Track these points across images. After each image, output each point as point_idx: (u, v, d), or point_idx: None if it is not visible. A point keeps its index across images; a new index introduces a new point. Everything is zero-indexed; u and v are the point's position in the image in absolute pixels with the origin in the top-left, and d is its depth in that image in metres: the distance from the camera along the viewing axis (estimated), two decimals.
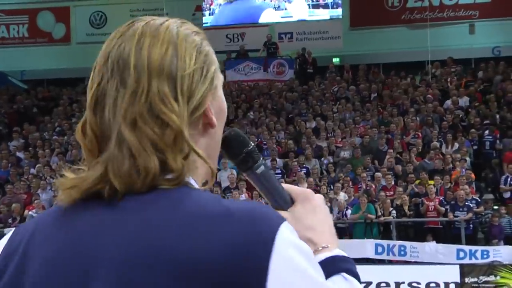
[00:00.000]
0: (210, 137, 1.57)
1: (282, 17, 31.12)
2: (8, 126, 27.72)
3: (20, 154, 25.55)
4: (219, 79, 1.60)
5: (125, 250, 1.40)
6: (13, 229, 1.61)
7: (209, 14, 31.56)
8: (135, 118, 1.44)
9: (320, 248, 1.61)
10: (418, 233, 19.78)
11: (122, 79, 1.47)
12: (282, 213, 1.57)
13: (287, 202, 1.71)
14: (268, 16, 30.93)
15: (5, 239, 1.58)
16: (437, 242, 19.08)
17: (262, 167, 1.72)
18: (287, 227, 1.41)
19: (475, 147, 23.32)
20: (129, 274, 1.38)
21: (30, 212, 20.72)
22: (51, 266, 1.46)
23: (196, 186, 1.51)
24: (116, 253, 1.40)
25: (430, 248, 18.85)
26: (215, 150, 1.62)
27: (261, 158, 1.73)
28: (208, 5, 31.47)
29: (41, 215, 1.60)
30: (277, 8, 31.16)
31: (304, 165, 22.51)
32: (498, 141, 23.13)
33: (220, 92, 1.61)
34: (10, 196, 22.36)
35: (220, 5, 31.40)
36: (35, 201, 21.30)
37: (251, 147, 1.70)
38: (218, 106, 1.59)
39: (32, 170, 24.25)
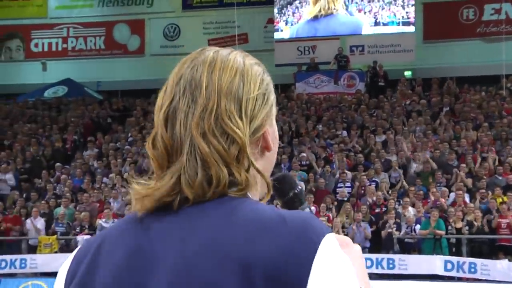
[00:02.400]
0: (266, 160, 1.73)
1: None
2: (83, 136, 28.18)
3: (94, 163, 25.92)
4: (275, 110, 1.77)
5: (191, 252, 1.55)
6: (86, 237, 1.67)
7: (280, 30, 31.48)
8: (205, 132, 1.60)
9: None
10: (490, 250, 19.43)
11: (193, 97, 1.63)
12: None
13: None
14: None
15: (79, 247, 1.74)
16: (510, 260, 18.71)
17: (307, 209, 1.93)
18: (332, 236, 1.57)
19: None
20: (196, 273, 1.53)
21: (100, 221, 20.99)
22: (120, 271, 1.60)
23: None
24: (182, 257, 1.55)
25: (502, 266, 18.50)
26: (268, 172, 1.75)
27: (306, 202, 2.00)
28: (283, 18, 31.39)
29: (113, 224, 1.78)
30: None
31: (373, 179, 22.33)
32: None
33: (275, 122, 1.77)
34: (85, 205, 22.70)
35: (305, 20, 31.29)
36: (105, 210, 21.59)
37: (299, 189, 1.97)
38: (273, 132, 1.75)
39: (105, 179, 24.57)
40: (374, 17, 30.66)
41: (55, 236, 21.53)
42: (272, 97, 1.75)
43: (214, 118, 1.61)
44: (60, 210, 22.27)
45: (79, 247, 1.74)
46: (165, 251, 1.58)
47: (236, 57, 1.72)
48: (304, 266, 1.51)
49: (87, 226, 21.37)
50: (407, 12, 30.40)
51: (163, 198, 1.60)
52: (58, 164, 25.61)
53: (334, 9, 30.67)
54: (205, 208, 1.59)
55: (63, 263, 1.73)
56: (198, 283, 1.52)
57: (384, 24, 30.60)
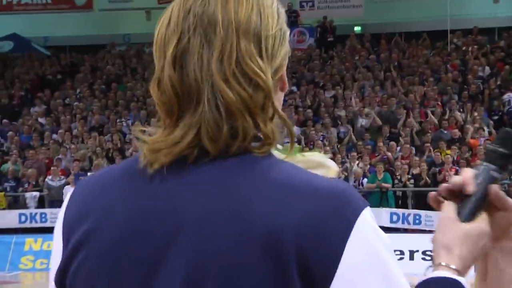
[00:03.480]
0: (279, 101, 1.55)
1: None
2: (31, 92, 27.94)
3: (42, 120, 25.77)
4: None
5: (213, 221, 1.38)
6: (71, 191, 1.57)
7: None
8: (227, 78, 1.40)
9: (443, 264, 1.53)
10: None
11: (207, 36, 1.43)
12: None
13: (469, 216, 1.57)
14: None
15: (66, 204, 1.55)
16: None
17: (501, 176, 1.61)
18: (369, 211, 1.42)
19: (496, 117, 23.23)
20: (213, 240, 1.37)
21: (47, 178, 21.03)
22: (129, 234, 1.42)
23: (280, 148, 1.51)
24: (200, 218, 1.39)
25: None
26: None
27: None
28: None
29: (110, 174, 1.54)
30: None
31: (322, 134, 22.55)
32: None
33: None
34: (32, 161, 22.62)
35: None
36: (53, 167, 21.57)
37: None
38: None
39: (54, 136, 24.46)
40: None
41: (3, 192, 21.46)
42: (287, 32, 1.54)
43: (235, 60, 1.41)
44: (8, 167, 22.20)
45: (70, 194, 1.56)
46: (183, 216, 1.40)
47: None
48: (336, 246, 1.36)
49: (34, 183, 21.39)
50: None
51: (183, 152, 1.42)
52: (5, 120, 25.44)
53: None
54: (228, 167, 1.41)
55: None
56: (219, 260, 1.36)
57: None
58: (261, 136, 1.43)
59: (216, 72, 1.40)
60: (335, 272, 1.35)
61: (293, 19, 29.78)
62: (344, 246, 1.35)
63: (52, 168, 21.62)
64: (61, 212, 1.54)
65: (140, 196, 1.44)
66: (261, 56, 1.43)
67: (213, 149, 1.40)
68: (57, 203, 19.56)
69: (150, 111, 24.69)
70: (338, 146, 21.99)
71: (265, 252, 1.34)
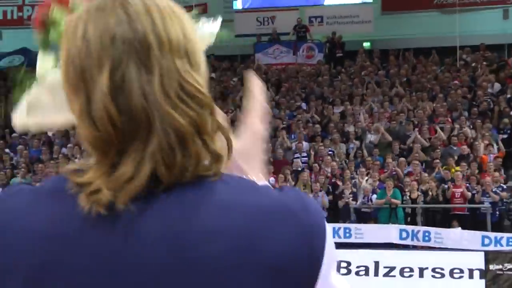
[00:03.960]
0: None
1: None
2: None
3: (51, 134, 25.73)
4: None
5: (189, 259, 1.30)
6: None
7: None
8: (174, 102, 1.32)
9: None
10: (444, 219, 19.69)
11: (143, 62, 1.32)
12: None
13: None
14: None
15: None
16: (463, 228, 18.98)
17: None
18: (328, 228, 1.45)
19: (505, 135, 23.12)
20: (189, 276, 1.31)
21: None
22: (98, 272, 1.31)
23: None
24: (178, 263, 1.31)
25: (455, 234, 18.78)
26: None
27: None
28: None
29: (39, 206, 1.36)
30: None
31: (330, 149, 22.50)
32: None
33: None
34: (42, 175, 22.61)
35: None
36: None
37: None
38: None
39: (64, 150, 24.44)
40: None
41: None
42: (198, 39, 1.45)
43: (177, 82, 1.33)
44: (17, 180, 22.21)
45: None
46: (154, 257, 1.31)
47: (161, 1, 1.40)
48: (319, 258, 1.39)
49: None
50: None
51: (141, 188, 1.31)
52: (14, 134, 25.45)
53: None
54: (186, 200, 1.34)
55: None
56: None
57: None
58: (210, 155, 1.36)
59: (161, 98, 1.31)
60: None
61: (302, 34, 29.83)
62: (323, 257, 1.39)
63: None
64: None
65: (96, 239, 1.32)
66: (195, 72, 1.37)
67: (168, 177, 1.32)
68: None
69: None
70: (347, 161, 21.93)
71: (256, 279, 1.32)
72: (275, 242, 1.33)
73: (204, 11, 31.16)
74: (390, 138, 22.55)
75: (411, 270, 18.21)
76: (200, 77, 1.38)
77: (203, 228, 1.31)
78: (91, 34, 1.33)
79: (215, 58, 29.86)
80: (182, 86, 1.34)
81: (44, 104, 1.91)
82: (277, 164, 21.87)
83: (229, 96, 26.67)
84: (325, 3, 30.62)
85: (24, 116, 1.93)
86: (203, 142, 1.34)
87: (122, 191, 1.30)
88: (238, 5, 31.12)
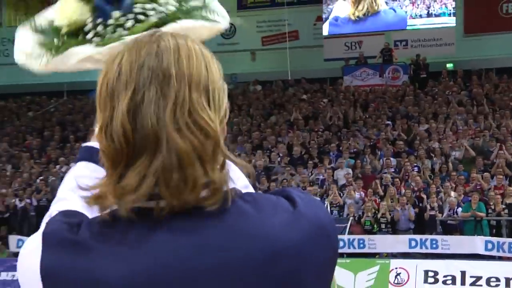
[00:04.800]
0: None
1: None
2: None
3: None
4: None
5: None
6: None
7: (332, 24, 31.36)
8: (180, 128, 1.40)
9: None
10: None
11: (162, 88, 1.41)
12: None
13: None
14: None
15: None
16: None
17: None
18: None
19: None
20: None
21: None
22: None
23: (235, 186, 1.50)
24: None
25: None
26: None
27: None
28: (334, 12, 31.28)
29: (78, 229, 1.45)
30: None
31: (416, 165, 22.32)
32: None
33: None
34: None
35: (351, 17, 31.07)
36: None
37: None
38: None
39: None
40: (425, 9, 30.37)
41: None
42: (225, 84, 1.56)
43: (188, 111, 1.42)
44: None
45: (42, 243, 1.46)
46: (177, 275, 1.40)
47: (194, 44, 1.52)
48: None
49: None
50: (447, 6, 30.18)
51: (140, 199, 1.40)
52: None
53: (378, 6, 30.53)
54: (194, 225, 1.42)
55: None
56: None
57: (431, 15, 30.28)
58: (210, 183, 1.42)
59: (169, 122, 1.39)
60: None
61: (387, 57, 29.76)
62: None
63: None
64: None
65: (128, 256, 1.40)
66: (210, 107, 1.44)
67: (168, 196, 1.39)
68: None
69: (255, 144, 24.91)
70: (432, 176, 21.71)
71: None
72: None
73: (296, 37, 31.39)
74: (473, 154, 22.20)
75: (498, 280, 17.91)
76: (214, 114, 1.45)
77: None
78: (124, 61, 1.45)
79: (306, 80, 30.03)
80: (192, 116, 1.41)
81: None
82: (365, 179, 21.82)
83: (319, 116, 26.72)
84: (409, 27, 30.35)
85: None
86: (204, 170, 1.41)
87: (124, 200, 1.39)
88: (325, 31, 31.09)
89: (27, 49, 1.83)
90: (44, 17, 1.88)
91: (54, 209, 1.61)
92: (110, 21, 1.72)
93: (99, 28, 1.70)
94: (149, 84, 1.42)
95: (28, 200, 23.82)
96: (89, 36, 1.71)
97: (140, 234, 1.41)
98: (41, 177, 25.31)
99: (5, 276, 21.38)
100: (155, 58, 1.44)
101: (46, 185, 24.57)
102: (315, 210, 1.51)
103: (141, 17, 1.71)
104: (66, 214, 1.51)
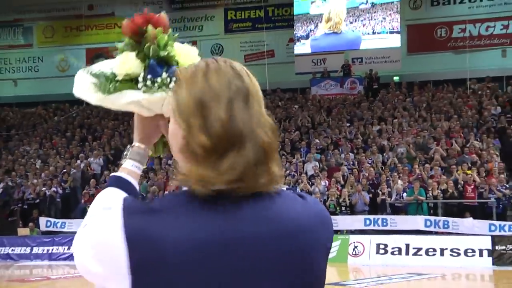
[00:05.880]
0: None
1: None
2: None
3: None
4: None
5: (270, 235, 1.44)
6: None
7: (302, 44, 31.34)
8: (261, 130, 1.46)
9: None
10: (459, 211, 19.40)
11: (245, 101, 1.47)
12: None
13: None
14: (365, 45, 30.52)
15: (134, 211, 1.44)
16: (474, 218, 18.68)
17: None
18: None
19: (505, 146, 22.68)
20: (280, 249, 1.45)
21: (166, 193, 21.25)
22: (206, 250, 1.39)
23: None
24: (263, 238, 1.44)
25: (468, 222, 18.49)
26: None
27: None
28: (302, 35, 31.25)
29: (173, 203, 1.46)
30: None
31: (370, 158, 22.38)
32: None
33: None
34: (154, 181, 22.97)
35: (323, 34, 30.90)
36: (169, 185, 21.95)
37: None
38: None
39: (169, 162, 24.79)
40: (372, 29, 30.39)
41: None
42: None
43: (262, 117, 1.49)
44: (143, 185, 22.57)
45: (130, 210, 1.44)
46: (254, 241, 1.43)
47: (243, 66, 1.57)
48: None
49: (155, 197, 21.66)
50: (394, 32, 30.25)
51: (228, 184, 1.42)
52: None
53: (339, 26, 30.51)
54: (269, 202, 1.47)
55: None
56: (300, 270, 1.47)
57: (377, 33, 30.26)
58: (273, 175, 1.48)
59: (255, 126, 1.46)
60: None
61: (346, 72, 29.77)
62: None
63: (168, 185, 21.91)
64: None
65: (211, 223, 1.42)
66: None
67: (250, 182, 1.43)
68: None
69: None
70: (383, 168, 21.78)
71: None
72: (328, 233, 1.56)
73: (272, 55, 31.38)
74: (414, 154, 22.30)
75: (434, 250, 18.04)
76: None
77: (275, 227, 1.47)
78: (214, 81, 1.48)
79: (281, 90, 30.00)
80: (264, 119, 1.49)
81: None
82: (329, 170, 21.86)
83: (291, 119, 26.72)
84: (364, 47, 30.39)
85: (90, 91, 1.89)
86: (276, 163, 1.48)
87: (216, 182, 1.41)
88: (297, 50, 31.11)
89: (84, 87, 1.90)
90: (100, 65, 1.94)
91: (101, 217, 1.50)
92: (158, 79, 1.79)
93: (148, 82, 1.77)
94: (236, 98, 1.47)
95: (54, 189, 23.70)
96: (139, 86, 1.78)
97: (213, 207, 1.43)
98: (64, 170, 25.19)
99: (36, 250, 21.28)
100: (238, 78, 1.50)
101: (69, 176, 24.49)
102: (319, 205, 1.59)
103: None
104: (133, 199, 1.50)
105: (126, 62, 1.82)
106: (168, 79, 1.80)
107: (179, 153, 1.51)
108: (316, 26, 30.77)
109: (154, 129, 1.89)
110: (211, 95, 1.47)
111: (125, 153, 1.86)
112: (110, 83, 1.82)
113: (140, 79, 1.78)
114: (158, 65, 1.80)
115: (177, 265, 1.38)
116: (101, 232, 1.44)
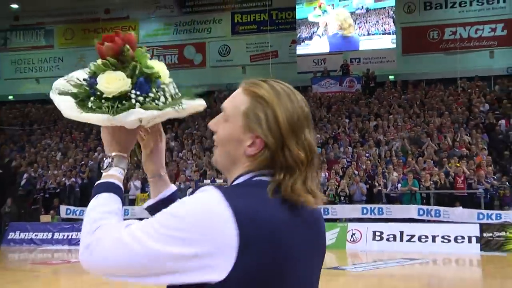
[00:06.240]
0: None
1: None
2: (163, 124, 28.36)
3: (172, 143, 26.23)
4: None
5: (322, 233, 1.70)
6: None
7: (304, 45, 31.28)
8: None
9: None
10: (449, 201, 19.36)
11: (311, 126, 1.60)
12: None
13: None
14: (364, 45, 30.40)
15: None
16: (463, 207, 18.66)
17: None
18: None
19: (498, 140, 22.63)
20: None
21: (177, 183, 21.30)
22: (308, 236, 1.59)
23: None
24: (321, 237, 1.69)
25: (458, 211, 18.47)
26: None
27: None
28: (306, 36, 31.18)
29: (277, 209, 1.52)
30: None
31: (367, 152, 22.34)
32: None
33: None
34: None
35: (324, 35, 30.82)
36: (181, 175, 21.97)
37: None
38: None
39: (180, 154, 24.85)
40: (367, 31, 30.29)
41: (147, 193, 21.85)
42: None
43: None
44: None
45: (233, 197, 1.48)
46: (313, 231, 1.62)
47: None
48: None
49: None
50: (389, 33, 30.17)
51: (307, 196, 1.57)
52: None
53: (350, 30, 30.46)
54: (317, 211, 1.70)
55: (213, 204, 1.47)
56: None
57: (371, 34, 30.15)
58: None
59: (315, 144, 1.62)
60: None
61: (345, 71, 29.71)
62: None
63: (180, 175, 21.95)
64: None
65: (299, 218, 1.56)
66: None
67: (319, 195, 1.62)
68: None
69: None
70: (379, 161, 21.75)
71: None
72: None
73: (276, 56, 31.35)
74: (408, 147, 22.26)
75: (426, 237, 18.03)
76: None
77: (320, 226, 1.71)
78: (297, 104, 1.59)
79: None
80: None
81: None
82: (329, 163, 21.85)
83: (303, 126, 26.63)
84: (361, 48, 30.33)
85: (74, 110, 1.78)
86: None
87: (313, 197, 1.57)
88: (299, 51, 31.06)
89: (72, 107, 1.80)
90: (73, 79, 1.83)
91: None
92: (151, 95, 1.76)
93: (140, 98, 1.74)
94: (309, 121, 1.61)
95: (73, 179, 23.75)
96: (132, 102, 1.74)
97: (294, 206, 1.55)
98: (83, 162, 25.24)
99: (57, 235, 21.36)
100: (305, 104, 1.63)
101: (87, 168, 24.54)
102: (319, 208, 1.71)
103: (168, 95, 1.81)
104: (220, 186, 1.54)
105: (116, 81, 1.75)
106: (158, 94, 1.78)
107: (244, 157, 1.58)
108: (324, 28, 30.63)
109: (132, 138, 1.81)
110: (295, 118, 1.56)
111: (107, 161, 1.78)
112: (115, 103, 1.74)
113: (133, 95, 1.73)
114: (145, 81, 1.76)
115: (275, 241, 1.45)
116: (209, 211, 1.43)
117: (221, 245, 1.41)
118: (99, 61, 1.81)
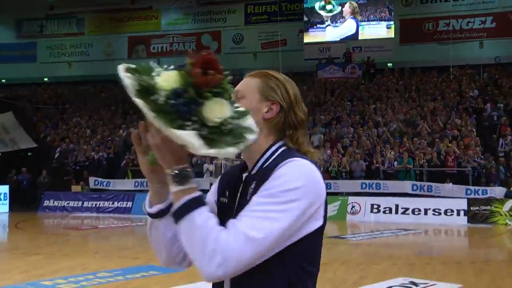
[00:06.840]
0: None
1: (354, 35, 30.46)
2: None
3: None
4: None
5: None
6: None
7: (312, 31, 31.04)
8: None
9: None
10: (441, 177, 19.27)
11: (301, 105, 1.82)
12: None
13: None
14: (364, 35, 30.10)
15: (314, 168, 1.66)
16: (453, 184, 18.58)
17: None
18: None
19: (486, 123, 22.43)
20: None
21: (194, 158, 21.26)
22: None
23: None
24: None
25: (448, 187, 18.40)
26: None
27: None
28: (310, 25, 30.93)
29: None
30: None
31: (367, 132, 22.24)
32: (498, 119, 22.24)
33: None
34: None
35: (328, 25, 30.56)
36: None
37: None
38: None
39: None
40: (368, 21, 30.06)
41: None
42: None
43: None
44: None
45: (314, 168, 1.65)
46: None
47: None
48: None
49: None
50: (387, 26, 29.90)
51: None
52: None
53: (344, 18, 30.24)
54: None
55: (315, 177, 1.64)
56: None
57: (373, 24, 29.94)
58: None
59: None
60: None
61: (348, 58, 29.50)
62: None
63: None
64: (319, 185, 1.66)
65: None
66: None
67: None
68: (197, 174, 19.86)
69: None
70: (378, 140, 21.65)
71: None
72: None
73: (285, 44, 31.12)
74: (404, 129, 22.13)
75: (419, 210, 17.98)
76: None
77: None
78: (294, 89, 1.84)
79: (292, 74, 29.76)
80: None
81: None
82: (332, 142, 21.79)
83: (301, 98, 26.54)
84: (362, 38, 30.04)
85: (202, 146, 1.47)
86: None
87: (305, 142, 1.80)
88: (306, 39, 30.81)
89: (195, 141, 1.44)
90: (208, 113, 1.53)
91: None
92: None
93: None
94: (296, 102, 1.82)
95: (101, 154, 23.84)
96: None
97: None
98: (109, 138, 25.31)
99: (86, 204, 21.51)
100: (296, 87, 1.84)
101: (113, 143, 24.60)
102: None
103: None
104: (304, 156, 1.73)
105: (225, 110, 1.51)
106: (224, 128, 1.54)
107: (262, 121, 1.72)
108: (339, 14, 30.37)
109: (182, 148, 1.49)
110: (296, 96, 1.80)
111: (182, 175, 1.54)
112: (243, 132, 1.52)
113: (225, 128, 1.50)
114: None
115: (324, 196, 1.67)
116: (311, 175, 1.62)
117: (322, 198, 1.64)
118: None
